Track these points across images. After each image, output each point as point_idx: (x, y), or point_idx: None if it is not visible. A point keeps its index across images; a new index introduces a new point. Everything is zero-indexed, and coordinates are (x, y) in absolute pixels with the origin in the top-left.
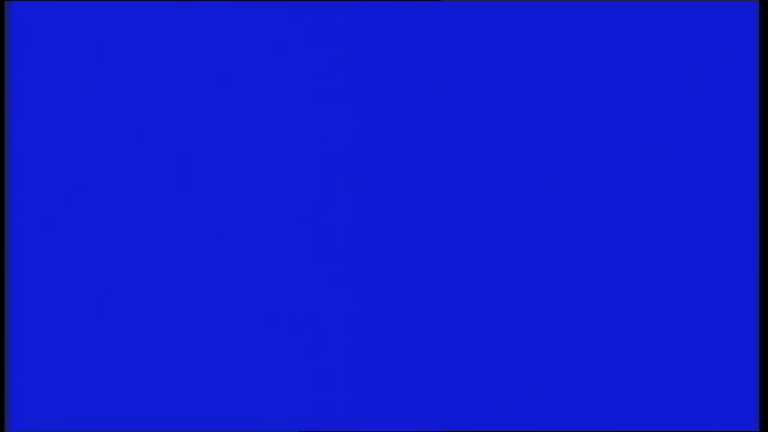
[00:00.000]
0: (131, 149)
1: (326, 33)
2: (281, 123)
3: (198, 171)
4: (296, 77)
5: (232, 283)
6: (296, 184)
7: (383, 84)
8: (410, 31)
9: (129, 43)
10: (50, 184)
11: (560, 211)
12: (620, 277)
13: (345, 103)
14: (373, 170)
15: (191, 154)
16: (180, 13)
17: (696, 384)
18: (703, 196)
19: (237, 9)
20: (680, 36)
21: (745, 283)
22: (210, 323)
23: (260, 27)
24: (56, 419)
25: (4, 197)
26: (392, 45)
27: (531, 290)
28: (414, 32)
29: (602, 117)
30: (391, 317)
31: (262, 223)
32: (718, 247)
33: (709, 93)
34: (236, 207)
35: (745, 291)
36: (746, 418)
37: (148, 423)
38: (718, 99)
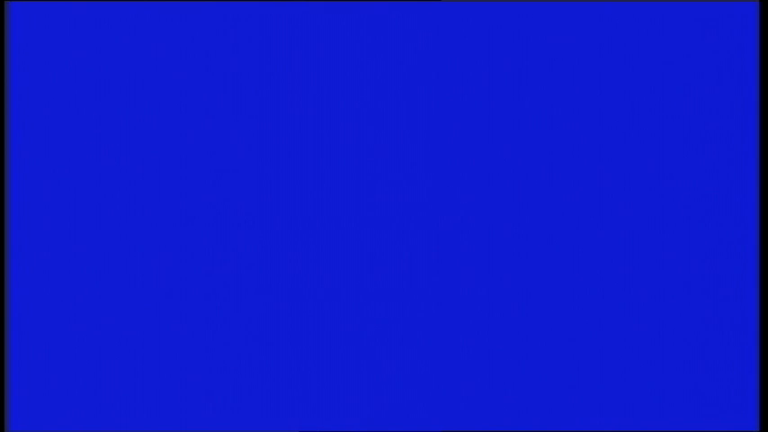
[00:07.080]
0: (131, 149)
1: (326, 33)
2: (281, 123)
3: (197, 171)
4: (295, 77)
5: (231, 284)
6: (295, 183)
7: (383, 83)
8: (410, 31)
9: (129, 43)
10: (50, 183)
11: (560, 210)
12: (619, 278)
13: (345, 102)
14: (372, 170)
15: (190, 154)
16: (180, 13)
17: (696, 384)
18: (703, 196)
19: (237, 9)
20: (680, 36)
21: (745, 284)
22: (210, 323)
23: (259, 27)
24: (56, 419)
25: (4, 197)
26: (392, 45)
27: (530, 290)
28: (414, 32)
29: (602, 117)
30: (391, 317)
31: (261, 224)
32: (719, 247)
33: (709, 93)
34: (235, 207)
35: (745, 291)
36: (746, 418)
37: (148, 423)
38: (718, 99)
